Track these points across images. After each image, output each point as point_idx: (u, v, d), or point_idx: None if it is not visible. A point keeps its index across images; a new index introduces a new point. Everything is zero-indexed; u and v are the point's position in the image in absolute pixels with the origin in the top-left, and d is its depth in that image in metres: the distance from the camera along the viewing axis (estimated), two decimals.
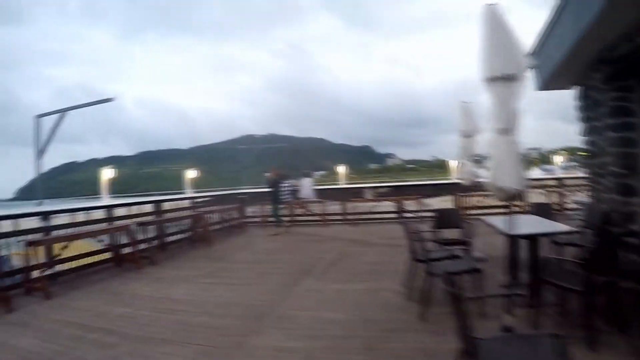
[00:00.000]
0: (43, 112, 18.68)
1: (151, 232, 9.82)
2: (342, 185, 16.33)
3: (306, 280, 6.98)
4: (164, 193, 16.94)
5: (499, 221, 5.49)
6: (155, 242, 10.16)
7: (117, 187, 11.00)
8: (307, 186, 14.71)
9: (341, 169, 17.19)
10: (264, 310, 5.53)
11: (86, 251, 8.62)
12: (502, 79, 3.96)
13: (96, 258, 8.79)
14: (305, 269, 7.70)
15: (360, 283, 6.58)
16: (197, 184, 13.60)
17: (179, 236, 11.63)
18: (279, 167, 13.63)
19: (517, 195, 4.19)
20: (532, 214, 6.93)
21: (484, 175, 5.88)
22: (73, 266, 8.21)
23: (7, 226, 7.20)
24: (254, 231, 13.52)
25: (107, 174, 10.00)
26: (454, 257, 5.58)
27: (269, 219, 13.41)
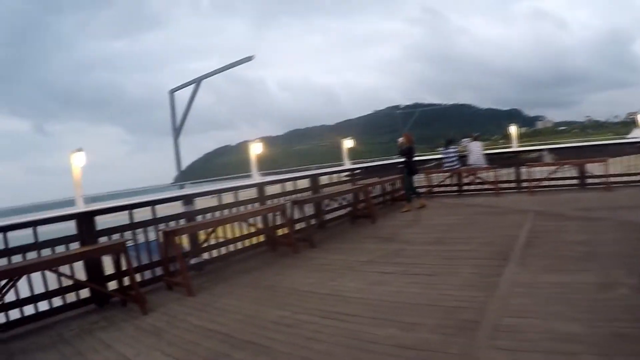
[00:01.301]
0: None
1: (308, 210, 8.62)
2: (514, 148, 14.10)
3: (507, 268, 5.28)
4: (319, 166, 15.94)
5: None
6: (313, 221, 8.97)
7: (267, 165, 10.13)
8: (476, 151, 12.89)
9: (513, 131, 14.93)
10: (468, 316, 3.99)
11: (235, 235, 7.83)
12: None
13: (247, 243, 8.01)
14: (499, 252, 6.02)
15: (580, 273, 4.79)
16: (349, 155, 12.21)
17: (338, 213, 10.55)
18: (411, 133, 11.84)
19: None
20: None
21: None
22: (221, 253, 7.50)
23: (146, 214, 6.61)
24: (419, 203, 11.85)
25: (255, 148, 8.96)
26: None
27: (408, 192, 11.60)
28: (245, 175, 11.81)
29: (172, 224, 6.73)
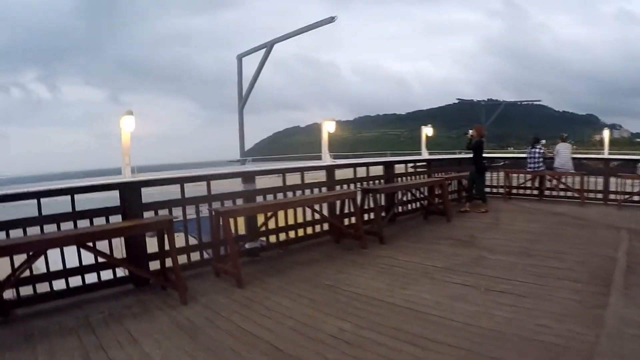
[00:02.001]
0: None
1: (378, 200, 7.76)
2: (605, 155, 12.63)
3: (612, 298, 4.24)
4: (394, 154, 14.96)
5: None
6: (383, 214, 8.15)
7: (336, 149, 9.32)
8: (564, 153, 11.60)
9: (605, 135, 13.42)
10: None
11: (297, 221, 7.14)
12: None
13: (308, 230, 7.31)
14: (598, 276, 5.00)
15: None
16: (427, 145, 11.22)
17: (410, 206, 9.72)
18: (482, 125, 10.61)
19: None
20: None
21: None
22: (279, 239, 6.87)
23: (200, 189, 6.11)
24: (497, 205, 10.96)
25: (328, 127, 8.10)
26: None
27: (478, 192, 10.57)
28: (314, 156, 11.01)
29: (228, 203, 6.09)
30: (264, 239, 6.68)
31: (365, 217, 7.82)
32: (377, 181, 8.72)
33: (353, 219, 7.33)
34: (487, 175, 11.75)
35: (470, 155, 10.21)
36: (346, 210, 7.34)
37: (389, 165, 9.18)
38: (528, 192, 12.30)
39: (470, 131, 10.09)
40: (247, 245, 6.22)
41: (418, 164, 11.38)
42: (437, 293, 4.62)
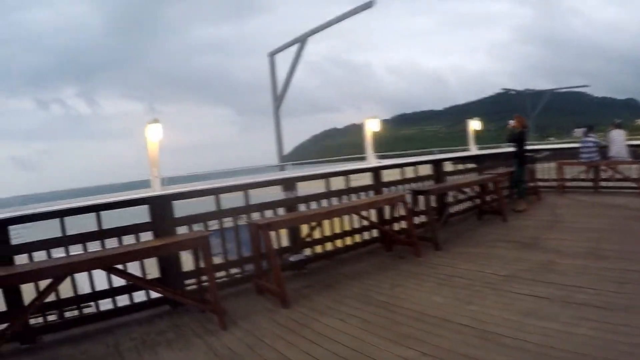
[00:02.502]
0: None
1: (428, 202, 7.22)
2: None
3: None
4: (441, 151, 14.24)
5: None
6: (436, 217, 7.55)
7: (375, 148, 8.80)
8: (618, 141, 10.73)
9: None
10: None
11: (344, 229, 6.64)
12: None
13: (357, 238, 6.80)
14: None
15: None
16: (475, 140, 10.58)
17: (460, 206, 9.08)
18: (524, 116, 9.89)
19: None
20: None
21: None
22: (325, 249, 6.41)
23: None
24: (553, 199, 10.33)
25: (371, 125, 7.59)
26: None
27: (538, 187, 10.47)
28: (357, 157, 10.48)
29: (268, 213, 5.67)
30: (308, 250, 6.21)
31: (415, 220, 7.22)
32: (425, 181, 8.15)
33: (403, 223, 6.82)
34: (538, 167, 11.37)
35: (512, 149, 9.53)
36: (396, 215, 6.84)
37: (437, 164, 8.60)
38: (582, 184, 11.49)
39: (511, 122, 9.38)
40: (291, 258, 5.79)
41: (466, 160, 10.69)
42: (506, 309, 4.03)
